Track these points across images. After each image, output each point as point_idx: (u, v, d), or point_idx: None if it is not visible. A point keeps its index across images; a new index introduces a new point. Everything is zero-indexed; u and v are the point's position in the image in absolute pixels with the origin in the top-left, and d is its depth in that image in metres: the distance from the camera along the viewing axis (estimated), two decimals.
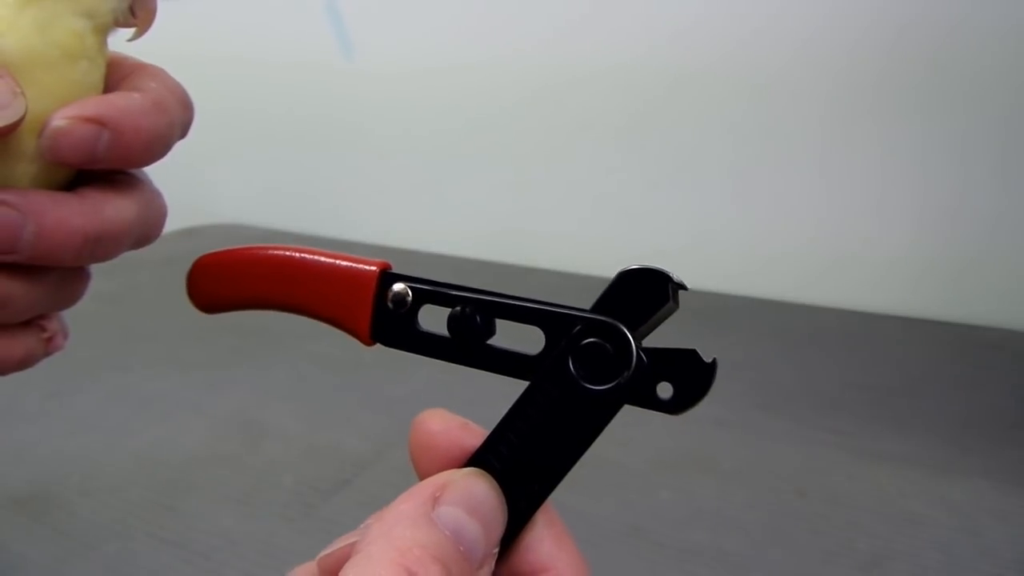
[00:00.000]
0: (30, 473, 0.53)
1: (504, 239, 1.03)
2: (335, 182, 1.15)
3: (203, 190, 1.17)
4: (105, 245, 0.28)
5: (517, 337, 0.24)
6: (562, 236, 1.00)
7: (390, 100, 1.08)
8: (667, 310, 0.23)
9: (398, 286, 0.25)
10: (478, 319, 0.24)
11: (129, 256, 0.30)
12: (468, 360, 0.24)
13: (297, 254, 0.27)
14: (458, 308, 0.24)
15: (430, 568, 0.19)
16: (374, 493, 0.50)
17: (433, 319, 0.25)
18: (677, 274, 0.22)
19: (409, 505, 0.21)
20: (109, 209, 0.28)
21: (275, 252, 0.27)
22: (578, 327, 0.23)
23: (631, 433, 0.57)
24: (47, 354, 0.30)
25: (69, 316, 0.31)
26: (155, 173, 0.31)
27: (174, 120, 0.29)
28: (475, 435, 0.24)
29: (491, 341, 0.24)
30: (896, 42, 0.78)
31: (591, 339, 0.23)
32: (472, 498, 0.21)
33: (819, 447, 0.56)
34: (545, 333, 0.24)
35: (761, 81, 0.84)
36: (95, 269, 0.31)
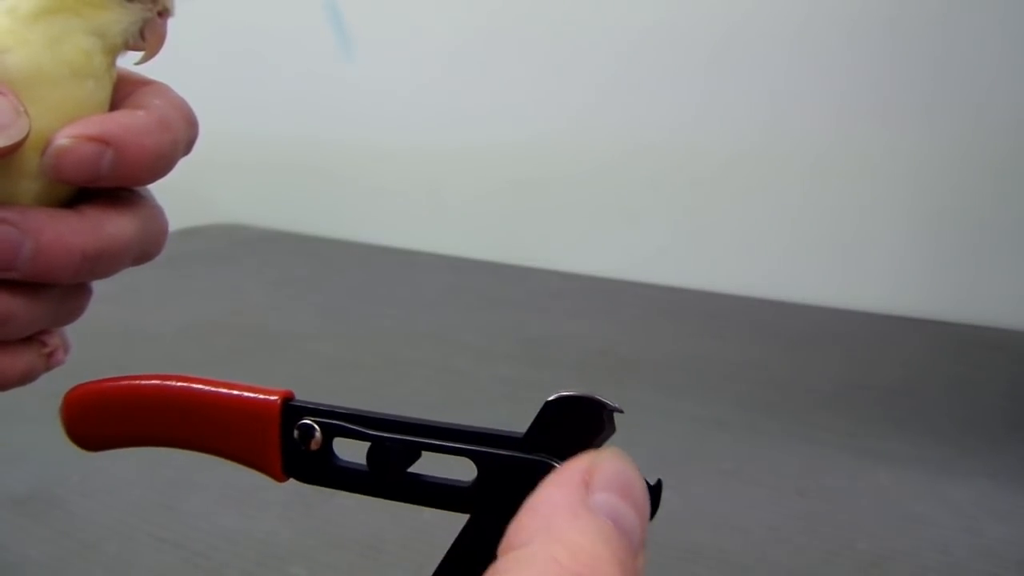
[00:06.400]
0: (30, 473, 0.53)
1: (504, 239, 1.03)
2: (335, 182, 1.15)
3: (203, 190, 1.17)
4: (104, 263, 0.28)
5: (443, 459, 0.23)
6: (562, 236, 1.00)
7: (390, 99, 1.08)
8: (604, 437, 0.21)
9: (304, 422, 0.24)
10: (399, 451, 0.23)
11: None
12: (392, 493, 0.23)
13: (185, 385, 0.25)
14: (377, 443, 0.23)
15: (607, 571, 0.17)
16: None
17: (352, 447, 0.24)
18: (610, 400, 0.21)
19: (562, 493, 0.19)
20: (109, 226, 0.28)
21: (161, 384, 0.25)
22: (513, 465, 0.21)
23: (630, 434, 0.57)
24: (48, 369, 0.30)
25: None
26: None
27: (178, 138, 0.28)
28: None
29: (415, 468, 0.23)
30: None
31: (530, 479, 0.20)
32: (623, 481, 0.19)
33: (819, 447, 0.56)
34: (477, 466, 0.22)
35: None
36: None
